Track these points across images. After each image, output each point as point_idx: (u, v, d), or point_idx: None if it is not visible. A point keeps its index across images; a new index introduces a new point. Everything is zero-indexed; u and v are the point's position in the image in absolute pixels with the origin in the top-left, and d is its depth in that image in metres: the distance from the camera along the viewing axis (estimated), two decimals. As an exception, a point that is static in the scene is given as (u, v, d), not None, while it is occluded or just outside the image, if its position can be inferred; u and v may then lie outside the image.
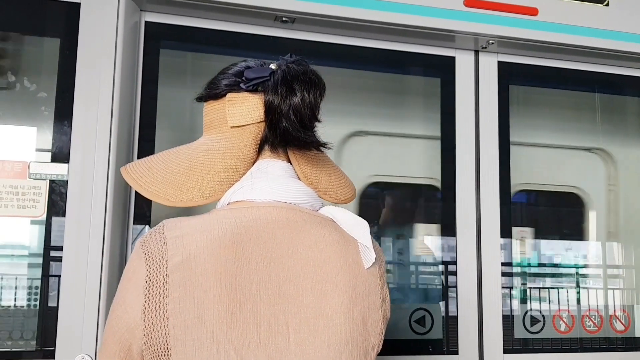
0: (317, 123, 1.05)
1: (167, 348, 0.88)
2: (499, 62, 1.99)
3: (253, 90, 1.03)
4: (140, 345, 0.91)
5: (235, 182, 1.04)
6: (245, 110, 1.04)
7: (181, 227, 0.94)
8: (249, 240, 0.93)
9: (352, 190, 1.21)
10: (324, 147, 1.08)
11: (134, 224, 1.64)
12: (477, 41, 1.91)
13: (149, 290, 0.90)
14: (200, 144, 1.08)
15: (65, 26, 1.57)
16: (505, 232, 1.93)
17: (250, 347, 0.88)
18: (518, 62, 2.01)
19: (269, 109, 1.01)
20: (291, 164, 1.08)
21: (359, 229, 1.03)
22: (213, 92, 1.08)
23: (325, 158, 1.16)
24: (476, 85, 1.97)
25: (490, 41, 1.90)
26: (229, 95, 1.05)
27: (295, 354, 0.91)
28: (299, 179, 1.08)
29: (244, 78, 1.04)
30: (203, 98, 1.11)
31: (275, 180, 1.03)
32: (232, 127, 1.05)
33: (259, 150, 1.07)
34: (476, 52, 1.98)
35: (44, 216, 1.51)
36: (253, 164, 1.06)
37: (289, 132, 1.01)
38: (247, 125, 1.04)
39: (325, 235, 0.99)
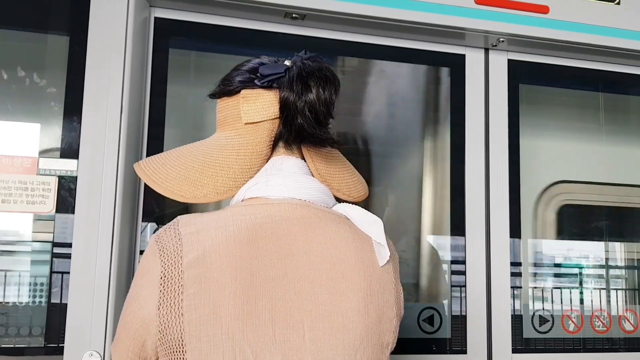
0: (331, 120, 1.05)
1: (182, 344, 0.88)
2: (509, 60, 1.98)
3: (267, 86, 1.03)
4: (155, 341, 0.91)
5: (250, 179, 1.04)
6: (259, 106, 1.04)
7: (196, 223, 0.94)
8: (264, 237, 0.93)
9: (364, 187, 1.21)
10: (339, 144, 1.08)
11: (143, 220, 1.64)
12: (487, 39, 1.90)
13: (164, 287, 0.90)
14: (214, 141, 1.08)
15: (75, 21, 1.57)
16: (515, 232, 1.92)
17: (265, 344, 0.88)
18: (528, 61, 2.00)
19: (284, 105, 1.01)
20: (305, 160, 1.08)
21: (374, 226, 1.03)
22: (227, 89, 1.08)
23: (339, 155, 1.16)
24: (486, 83, 1.96)
25: (501, 39, 1.89)
26: (244, 92, 1.05)
27: (310, 351, 0.91)
28: (313, 176, 1.08)
29: (258, 74, 1.04)
30: (216, 95, 1.12)
31: (290, 177, 1.03)
32: (246, 123, 1.04)
33: (273, 147, 1.07)
34: (486, 50, 1.97)
35: (53, 212, 1.51)
36: (267, 161, 1.06)
37: (304, 129, 1.01)
38: (262, 121, 1.04)
39: (340, 233, 0.99)
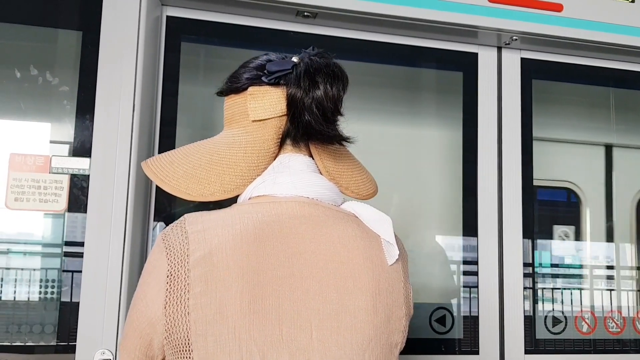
0: (339, 117, 1.03)
1: (188, 343, 0.87)
2: (522, 59, 1.96)
3: (275, 83, 1.02)
4: (162, 340, 0.91)
5: (257, 177, 1.03)
6: (267, 103, 1.02)
7: (203, 221, 0.93)
8: (271, 235, 0.92)
9: (374, 185, 1.19)
10: (347, 141, 1.06)
11: (154, 219, 1.64)
12: (500, 37, 1.89)
13: (170, 285, 0.89)
14: (221, 139, 1.07)
15: (88, 19, 1.57)
16: (528, 232, 1.91)
17: (272, 344, 0.87)
18: (542, 59, 1.98)
19: (291, 102, 1.00)
20: (313, 158, 1.07)
21: (382, 224, 1.01)
22: (234, 86, 1.07)
23: (347, 153, 1.15)
24: (499, 82, 1.95)
25: (514, 37, 1.88)
26: (251, 89, 1.04)
27: (317, 351, 0.89)
28: (321, 173, 1.07)
29: (265, 71, 1.03)
30: (224, 92, 1.11)
31: (297, 174, 1.01)
32: (253, 121, 1.03)
33: (281, 145, 1.05)
34: (499, 49, 1.96)
35: (65, 210, 1.51)
36: (275, 159, 1.05)
37: (312, 126, 0.99)
38: (269, 119, 1.03)
39: (348, 231, 0.97)
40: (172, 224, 0.95)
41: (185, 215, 0.96)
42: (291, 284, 0.90)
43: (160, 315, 0.89)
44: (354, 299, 0.93)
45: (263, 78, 1.03)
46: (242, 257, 0.89)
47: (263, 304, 0.88)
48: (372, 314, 0.94)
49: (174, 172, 1.02)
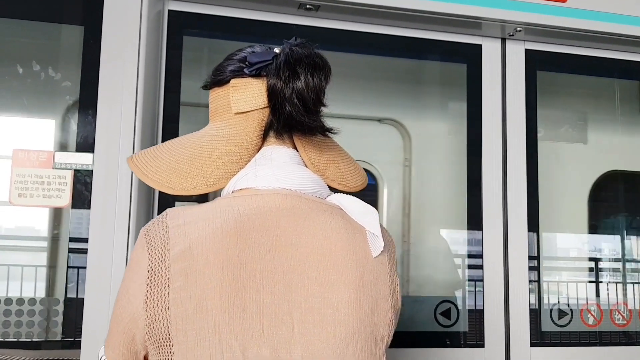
0: (322, 108, 1.02)
1: (168, 338, 0.87)
2: (527, 50, 1.95)
3: (257, 75, 1.01)
4: (143, 335, 0.90)
5: (240, 170, 1.03)
6: (249, 95, 1.02)
7: (184, 215, 0.93)
8: (252, 228, 0.91)
9: (362, 177, 1.17)
10: (330, 132, 1.05)
11: (158, 214, 1.63)
12: (504, 28, 1.87)
13: (151, 280, 0.89)
14: (205, 132, 1.07)
15: (89, 14, 1.56)
16: (533, 225, 1.90)
17: (253, 338, 0.86)
18: (546, 50, 1.96)
19: (271, 93, 0.99)
20: (297, 150, 1.06)
21: (368, 216, 1.00)
22: (218, 79, 1.07)
23: (334, 144, 1.13)
24: (503, 74, 1.94)
25: (518, 28, 1.86)
26: (233, 81, 1.03)
27: (299, 344, 0.88)
28: (306, 166, 1.05)
29: (247, 63, 1.02)
30: (208, 85, 1.10)
31: (280, 167, 1.00)
32: (236, 113, 1.03)
33: (264, 137, 1.04)
34: (503, 40, 1.94)
35: (69, 206, 1.51)
36: (258, 151, 1.04)
37: (293, 117, 0.98)
38: (251, 111, 1.02)
39: (332, 223, 0.96)
40: (154, 219, 0.95)
41: (167, 209, 0.95)
42: (272, 278, 0.89)
43: (141, 310, 0.89)
44: (336, 291, 0.92)
45: (245, 70, 1.02)
46: (222, 251, 0.88)
47: (243, 298, 0.87)
48: (355, 307, 0.92)
49: (158, 167, 1.02)
